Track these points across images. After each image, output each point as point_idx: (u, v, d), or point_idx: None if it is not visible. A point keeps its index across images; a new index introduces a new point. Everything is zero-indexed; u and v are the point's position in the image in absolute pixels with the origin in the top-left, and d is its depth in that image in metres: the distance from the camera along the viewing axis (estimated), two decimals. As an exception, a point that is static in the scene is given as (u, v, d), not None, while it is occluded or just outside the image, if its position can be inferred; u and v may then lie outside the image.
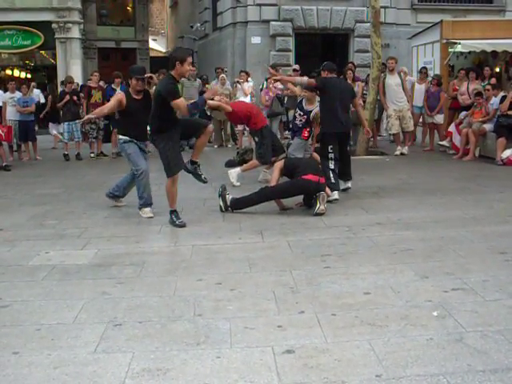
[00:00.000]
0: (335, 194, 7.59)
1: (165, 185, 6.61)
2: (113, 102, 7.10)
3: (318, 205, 6.74)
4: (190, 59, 6.39)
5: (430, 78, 13.23)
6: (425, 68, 13.47)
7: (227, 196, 7.05)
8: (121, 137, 7.08)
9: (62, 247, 5.72)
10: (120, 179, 7.44)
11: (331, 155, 7.76)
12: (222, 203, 7.05)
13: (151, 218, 6.85)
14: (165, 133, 6.41)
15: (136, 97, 7.00)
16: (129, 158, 7.04)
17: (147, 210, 6.96)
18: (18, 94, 13.17)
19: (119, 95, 7.17)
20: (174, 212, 6.57)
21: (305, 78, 8.67)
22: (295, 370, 3.15)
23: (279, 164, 7.33)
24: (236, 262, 5.13)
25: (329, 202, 7.20)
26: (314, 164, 7.42)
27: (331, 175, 7.68)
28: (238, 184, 8.57)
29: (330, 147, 7.80)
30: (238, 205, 7.02)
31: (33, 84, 18.14)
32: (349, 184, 8.21)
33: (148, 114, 6.66)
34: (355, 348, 3.38)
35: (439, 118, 12.69)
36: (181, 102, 6.25)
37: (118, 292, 4.43)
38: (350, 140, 11.30)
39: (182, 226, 6.43)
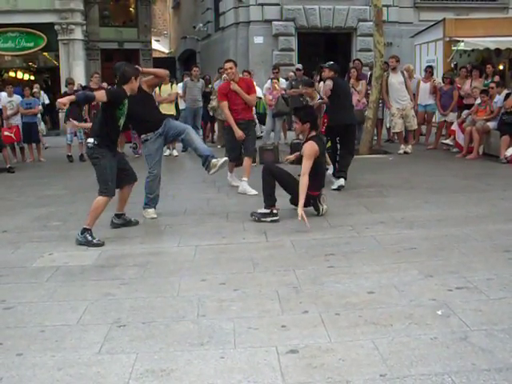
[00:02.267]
0: (341, 181, 8.26)
1: (96, 200, 6.02)
2: None
3: (320, 207, 6.70)
4: (139, 78, 6.32)
5: (436, 77, 13.21)
6: (430, 67, 13.44)
7: None
8: (142, 136, 6.98)
9: (65, 248, 5.73)
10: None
11: (338, 145, 8.47)
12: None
13: (154, 218, 6.86)
14: (108, 148, 6.07)
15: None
16: (145, 158, 7.06)
17: (151, 210, 6.96)
18: (15, 98, 13.20)
19: None
20: (89, 230, 5.93)
21: (325, 90, 8.71)
22: (299, 369, 3.15)
23: (314, 151, 6.48)
24: (240, 262, 5.12)
25: (337, 189, 8.11)
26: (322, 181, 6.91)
27: (336, 165, 8.55)
28: (245, 179, 8.42)
29: (337, 139, 8.56)
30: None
31: (35, 86, 18.24)
32: (341, 182, 8.26)
33: (146, 105, 6.71)
34: (359, 347, 3.37)
35: (452, 117, 12.64)
36: (100, 94, 5.98)
37: (121, 293, 4.43)
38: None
39: (100, 245, 5.84)
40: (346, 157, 8.54)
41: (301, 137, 9.42)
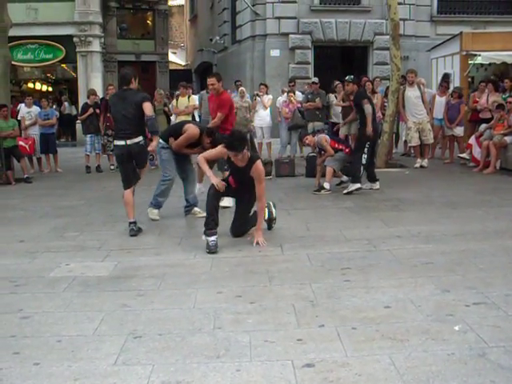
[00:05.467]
0: (356, 185, 8.88)
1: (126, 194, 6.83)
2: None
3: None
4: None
5: (450, 91, 13.16)
6: (446, 82, 13.39)
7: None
8: (161, 141, 7.29)
9: (82, 259, 5.76)
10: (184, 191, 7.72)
11: (366, 149, 9.09)
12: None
13: (156, 220, 7.34)
14: None
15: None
16: (162, 163, 7.60)
17: (155, 211, 7.45)
18: (34, 109, 13.36)
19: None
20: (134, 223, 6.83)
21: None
22: (315, 383, 3.14)
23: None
24: (256, 274, 5.12)
25: (349, 192, 8.84)
26: None
27: (361, 169, 9.14)
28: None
29: (367, 143, 9.10)
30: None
31: (63, 97, 18.60)
32: (377, 185, 9.29)
33: None
34: (376, 362, 3.35)
35: (459, 131, 12.59)
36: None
37: (137, 304, 4.44)
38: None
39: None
40: (373, 164, 9.57)
41: (316, 150, 9.49)
